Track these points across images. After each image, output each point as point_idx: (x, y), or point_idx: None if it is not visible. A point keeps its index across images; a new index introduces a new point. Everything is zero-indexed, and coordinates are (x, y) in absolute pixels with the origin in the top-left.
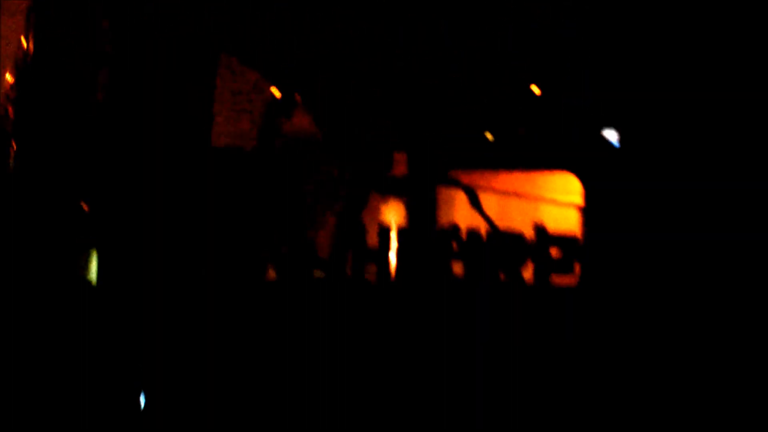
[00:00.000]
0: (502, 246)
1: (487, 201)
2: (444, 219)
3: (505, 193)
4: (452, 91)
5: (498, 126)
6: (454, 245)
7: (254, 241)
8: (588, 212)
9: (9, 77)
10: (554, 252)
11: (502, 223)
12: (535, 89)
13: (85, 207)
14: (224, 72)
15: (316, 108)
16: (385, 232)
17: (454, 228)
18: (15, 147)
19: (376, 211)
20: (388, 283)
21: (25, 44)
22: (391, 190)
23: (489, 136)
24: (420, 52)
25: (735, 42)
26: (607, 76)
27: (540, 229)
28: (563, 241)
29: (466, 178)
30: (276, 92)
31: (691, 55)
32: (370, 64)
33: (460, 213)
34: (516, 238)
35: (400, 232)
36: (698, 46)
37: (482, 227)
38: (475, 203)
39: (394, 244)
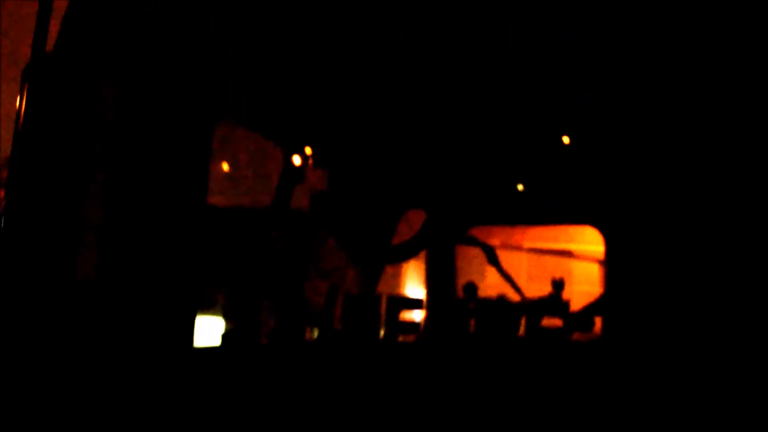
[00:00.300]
0: (522, 303)
1: (517, 257)
2: (462, 277)
3: (535, 250)
4: (452, 91)
5: (525, 176)
6: (469, 303)
7: (253, 302)
8: (609, 264)
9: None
10: (577, 306)
11: (531, 279)
12: (565, 139)
13: None
14: (241, 135)
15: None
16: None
17: (470, 286)
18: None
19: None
20: (375, 347)
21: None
22: (400, 254)
23: (520, 187)
24: (420, 52)
25: (741, 40)
26: (608, 76)
27: (558, 284)
28: (586, 295)
29: (492, 234)
30: (295, 158)
31: (694, 54)
32: (370, 64)
33: (479, 270)
34: (539, 294)
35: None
36: (702, 45)
37: (502, 285)
38: (493, 261)
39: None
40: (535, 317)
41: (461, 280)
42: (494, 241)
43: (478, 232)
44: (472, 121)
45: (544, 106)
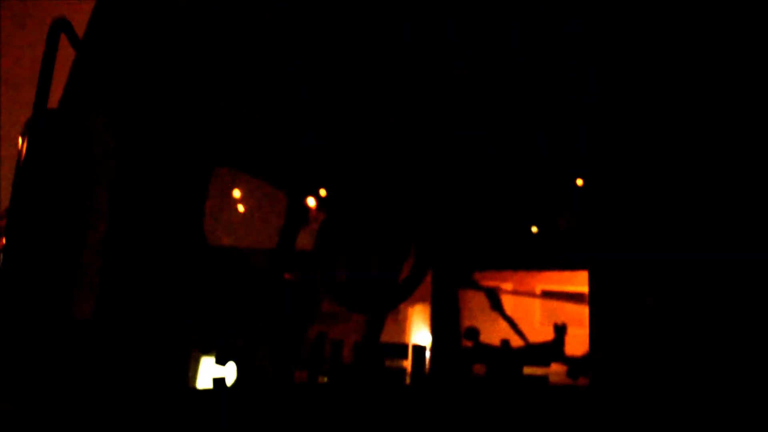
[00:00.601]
0: (523, 349)
1: (530, 301)
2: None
3: (548, 293)
4: (458, 88)
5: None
6: (471, 347)
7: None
8: (593, 304)
9: None
10: (580, 351)
11: (544, 323)
12: (579, 181)
13: None
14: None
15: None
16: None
17: (472, 331)
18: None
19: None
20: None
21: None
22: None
23: (534, 229)
24: (425, 48)
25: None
26: (614, 73)
27: (560, 329)
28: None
29: (504, 278)
30: (309, 200)
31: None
32: (375, 61)
33: (492, 315)
34: (549, 339)
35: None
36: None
37: (505, 330)
38: (497, 306)
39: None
40: (517, 363)
41: (478, 325)
42: (506, 286)
43: (490, 276)
44: (478, 122)
45: (550, 104)
